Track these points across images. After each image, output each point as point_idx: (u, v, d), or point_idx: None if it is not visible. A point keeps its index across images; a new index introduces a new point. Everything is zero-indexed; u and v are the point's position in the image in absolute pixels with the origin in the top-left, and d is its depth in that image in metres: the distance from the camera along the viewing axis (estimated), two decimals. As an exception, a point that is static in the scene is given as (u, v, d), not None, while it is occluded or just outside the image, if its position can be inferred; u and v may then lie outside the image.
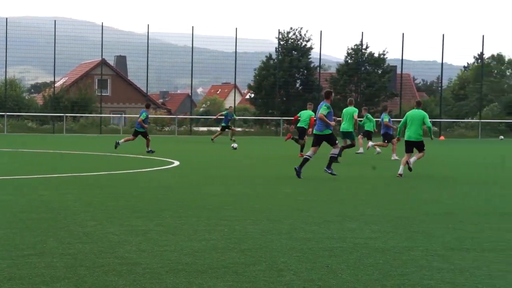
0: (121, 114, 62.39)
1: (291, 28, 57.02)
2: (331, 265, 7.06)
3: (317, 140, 16.95)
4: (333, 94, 18.92)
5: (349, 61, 57.37)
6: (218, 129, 39.11)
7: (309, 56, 57.20)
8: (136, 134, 26.55)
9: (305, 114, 24.97)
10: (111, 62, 73.15)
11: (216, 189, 14.09)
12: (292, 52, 56.48)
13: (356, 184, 15.76)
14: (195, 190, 13.81)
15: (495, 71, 69.12)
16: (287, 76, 55.44)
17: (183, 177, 16.77)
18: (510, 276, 6.73)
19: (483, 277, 6.65)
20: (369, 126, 26.92)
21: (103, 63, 62.14)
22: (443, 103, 60.00)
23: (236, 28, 54.60)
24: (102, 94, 59.10)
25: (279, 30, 56.73)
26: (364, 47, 56.99)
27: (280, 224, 9.55)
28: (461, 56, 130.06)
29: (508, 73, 70.14)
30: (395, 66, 61.94)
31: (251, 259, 7.23)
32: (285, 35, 56.88)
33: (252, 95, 58.99)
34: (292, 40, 56.83)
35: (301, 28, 56.89)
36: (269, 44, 60.34)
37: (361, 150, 26.68)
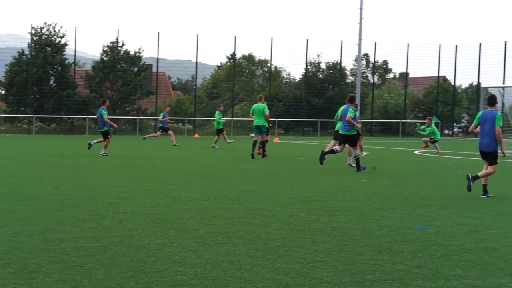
0: None
1: (45, 24, 55.41)
2: (84, 264, 7.00)
3: (343, 140, 19.27)
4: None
5: (105, 58, 56.87)
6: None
7: (64, 53, 55.89)
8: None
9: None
10: None
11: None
12: (46, 48, 54.96)
13: (112, 182, 15.66)
14: None
15: (246, 71, 71.73)
16: (40, 72, 53.83)
17: None
18: (258, 268, 7.04)
19: (234, 271, 6.91)
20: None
21: None
22: (197, 102, 61.36)
23: (-15, 22, 52.27)
24: None
25: (32, 25, 54.94)
26: (120, 44, 56.76)
27: (32, 225, 9.29)
28: (214, 56, 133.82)
29: (258, 73, 73.03)
30: (151, 65, 62.35)
31: (1, 262, 6.99)
32: (39, 31, 55.22)
33: (3, 92, 56.64)
34: (46, 36, 55.27)
35: (56, 24, 55.44)
36: (22, 40, 58.11)
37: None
